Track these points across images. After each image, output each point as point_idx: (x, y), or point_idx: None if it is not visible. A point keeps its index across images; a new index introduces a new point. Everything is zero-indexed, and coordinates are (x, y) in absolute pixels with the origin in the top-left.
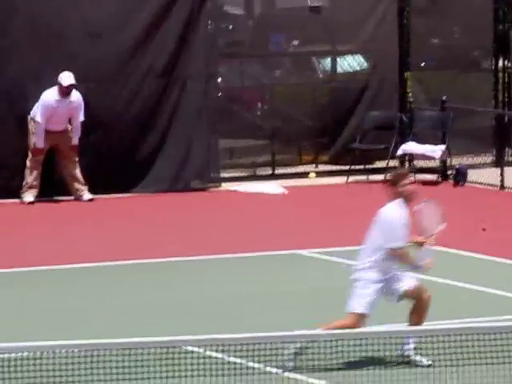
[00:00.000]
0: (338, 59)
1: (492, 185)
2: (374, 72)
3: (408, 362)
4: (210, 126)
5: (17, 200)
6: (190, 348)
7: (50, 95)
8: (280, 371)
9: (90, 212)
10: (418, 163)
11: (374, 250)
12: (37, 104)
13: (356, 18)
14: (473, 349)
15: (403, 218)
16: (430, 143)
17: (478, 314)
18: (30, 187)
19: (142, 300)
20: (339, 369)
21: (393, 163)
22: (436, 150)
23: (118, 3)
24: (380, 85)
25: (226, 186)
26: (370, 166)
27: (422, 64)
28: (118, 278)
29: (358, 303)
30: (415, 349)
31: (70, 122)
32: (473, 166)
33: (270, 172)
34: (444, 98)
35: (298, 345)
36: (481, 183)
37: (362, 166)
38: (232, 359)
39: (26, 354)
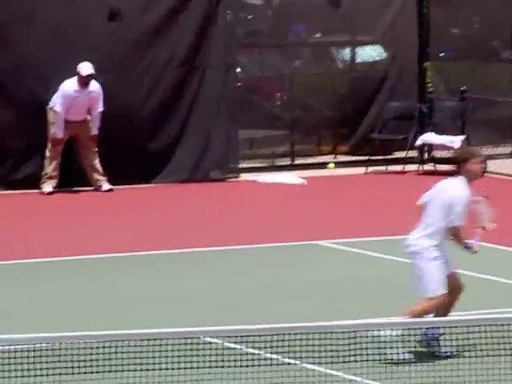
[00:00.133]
0: (357, 49)
1: (510, 175)
2: (393, 62)
3: (429, 352)
4: (229, 116)
5: (36, 190)
6: (208, 339)
7: (70, 85)
8: (298, 362)
9: (109, 202)
10: (438, 153)
11: (434, 226)
12: (56, 94)
13: (375, 8)
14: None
15: (466, 197)
16: (449, 134)
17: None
18: (50, 177)
19: (158, 290)
20: (356, 360)
21: (412, 154)
22: (455, 141)
23: None
24: (399, 75)
25: (245, 176)
26: (389, 157)
27: (442, 54)
28: (135, 269)
29: (436, 285)
30: (437, 340)
31: (89, 112)
32: (492, 157)
33: (289, 162)
34: (463, 88)
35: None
36: (500, 173)
37: (381, 157)
38: (250, 350)
39: (44, 344)
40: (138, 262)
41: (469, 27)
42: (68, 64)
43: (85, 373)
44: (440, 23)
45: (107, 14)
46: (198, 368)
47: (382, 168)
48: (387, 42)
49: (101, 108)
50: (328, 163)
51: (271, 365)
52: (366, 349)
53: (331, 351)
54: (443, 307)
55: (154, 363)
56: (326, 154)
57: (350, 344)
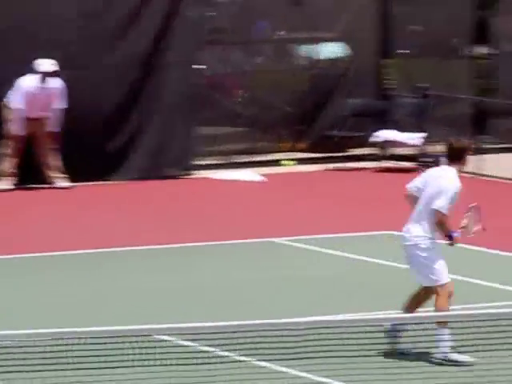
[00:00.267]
0: (318, 46)
1: (470, 172)
2: (353, 59)
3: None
4: (189, 113)
5: None
6: (161, 337)
7: (29, 82)
8: (250, 359)
9: (67, 199)
10: (397, 151)
11: (427, 213)
12: (13, 90)
13: (337, 5)
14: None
15: (459, 188)
16: (409, 130)
17: None
18: (8, 175)
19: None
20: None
21: (371, 151)
22: (415, 138)
23: None
24: (359, 72)
25: (203, 173)
26: (349, 154)
27: (402, 51)
28: (88, 266)
29: (443, 271)
30: (452, 347)
31: (48, 109)
32: None
33: (249, 159)
34: (425, 85)
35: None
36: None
37: (340, 154)
38: (204, 348)
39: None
40: (88, 260)
41: (429, 24)
42: (28, 60)
43: (39, 371)
44: (401, 20)
45: (70, 10)
46: (152, 366)
47: (341, 165)
48: (348, 39)
49: (62, 105)
50: (283, 160)
51: (222, 362)
52: (318, 346)
53: (283, 348)
54: (416, 302)
55: (106, 361)
56: (285, 151)
57: (301, 341)
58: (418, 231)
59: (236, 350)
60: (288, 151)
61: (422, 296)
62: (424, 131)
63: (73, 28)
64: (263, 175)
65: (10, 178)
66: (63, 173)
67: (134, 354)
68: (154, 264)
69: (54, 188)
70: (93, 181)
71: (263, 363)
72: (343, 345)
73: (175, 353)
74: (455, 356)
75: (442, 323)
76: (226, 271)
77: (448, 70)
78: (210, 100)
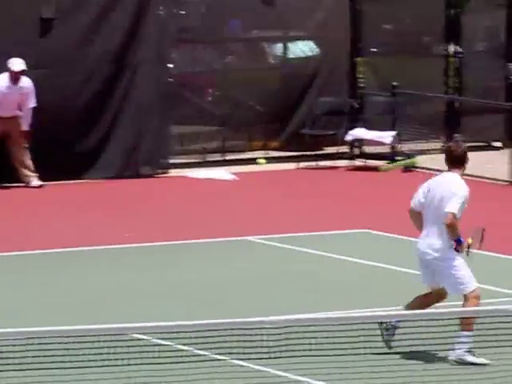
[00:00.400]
0: (289, 45)
1: (441, 170)
2: (325, 58)
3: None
4: (160, 112)
5: None
6: (136, 335)
7: (1, 81)
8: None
9: (40, 199)
10: (368, 149)
11: (442, 219)
12: None
13: (309, 4)
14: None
15: (468, 192)
16: (380, 129)
17: None
18: None
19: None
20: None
21: (343, 149)
22: (386, 136)
23: None
24: (331, 70)
25: (176, 172)
26: (321, 152)
27: (374, 50)
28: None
29: (469, 279)
30: (469, 351)
31: (20, 108)
32: (423, 152)
33: (221, 158)
34: (395, 83)
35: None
36: (431, 169)
37: (312, 152)
38: (180, 347)
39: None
40: (63, 259)
41: (401, 23)
42: None
43: (20, 370)
44: (372, 19)
45: (40, 9)
46: (126, 365)
47: (313, 163)
48: (319, 37)
49: (33, 104)
50: (257, 159)
51: (198, 361)
52: (296, 344)
53: (260, 347)
54: (424, 304)
55: (83, 360)
56: (257, 150)
57: (280, 340)
58: (439, 243)
59: (212, 348)
60: (260, 149)
61: (432, 300)
62: (394, 129)
63: (43, 26)
64: (236, 174)
65: None
66: (34, 172)
67: (109, 354)
68: (128, 263)
69: (28, 187)
70: (65, 180)
71: (241, 362)
72: (321, 343)
73: (150, 352)
74: (471, 358)
75: (465, 326)
76: (201, 270)
77: (420, 68)
78: (181, 99)
